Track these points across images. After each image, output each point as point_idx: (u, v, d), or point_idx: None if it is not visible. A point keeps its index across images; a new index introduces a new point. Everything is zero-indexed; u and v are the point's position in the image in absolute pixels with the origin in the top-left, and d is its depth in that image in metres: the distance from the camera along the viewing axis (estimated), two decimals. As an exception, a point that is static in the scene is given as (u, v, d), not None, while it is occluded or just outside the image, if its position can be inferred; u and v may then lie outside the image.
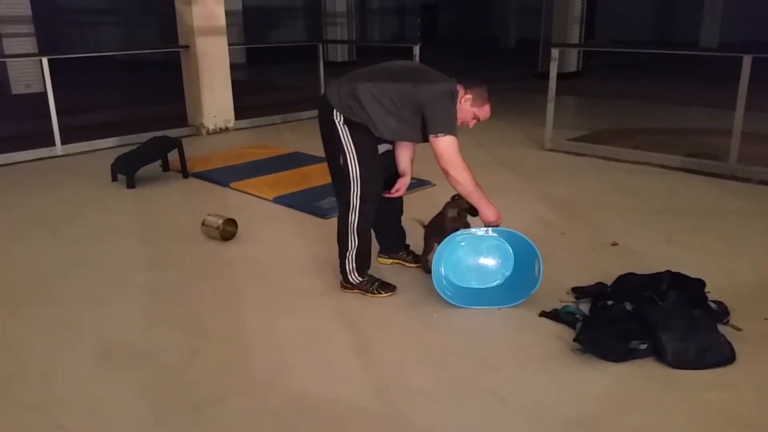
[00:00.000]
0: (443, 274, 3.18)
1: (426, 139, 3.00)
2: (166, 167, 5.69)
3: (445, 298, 3.07)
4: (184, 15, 7.29)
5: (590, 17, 13.26)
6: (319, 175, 5.20)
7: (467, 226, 3.24)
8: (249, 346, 2.80)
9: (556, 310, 2.99)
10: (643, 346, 2.60)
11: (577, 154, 6.24)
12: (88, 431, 2.28)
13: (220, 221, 4.02)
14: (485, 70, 13.95)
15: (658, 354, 2.59)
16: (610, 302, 2.94)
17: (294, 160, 6.03)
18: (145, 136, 6.15)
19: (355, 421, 2.31)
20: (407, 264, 3.56)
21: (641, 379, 2.49)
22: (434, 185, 4.87)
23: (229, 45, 7.65)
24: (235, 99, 7.76)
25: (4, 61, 10.42)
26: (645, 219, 4.35)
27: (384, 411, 2.36)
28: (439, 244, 3.21)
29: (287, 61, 14.25)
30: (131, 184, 5.22)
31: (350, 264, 3.20)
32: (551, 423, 2.26)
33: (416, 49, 7.60)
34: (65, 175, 5.79)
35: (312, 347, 2.80)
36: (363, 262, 3.23)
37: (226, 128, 7.69)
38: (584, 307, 3.03)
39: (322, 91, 8.35)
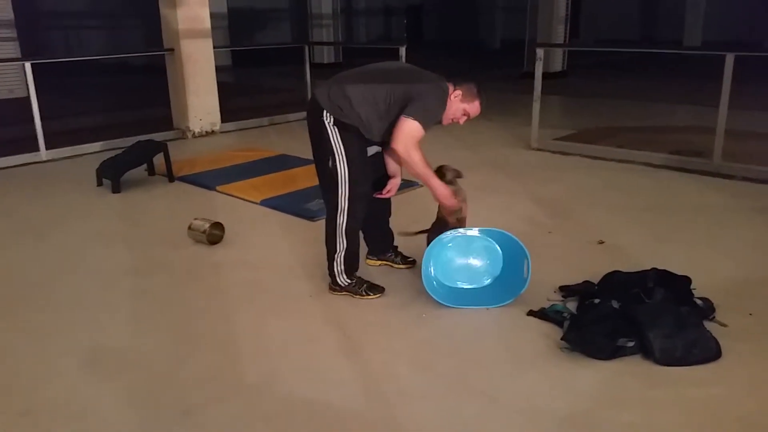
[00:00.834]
0: (432, 274, 3.19)
1: None
2: (151, 171, 5.66)
3: (435, 298, 3.07)
4: (168, 18, 7.25)
5: (575, 17, 13.34)
6: (306, 178, 5.19)
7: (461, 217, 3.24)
8: (238, 350, 2.79)
9: (544, 309, 3.01)
10: (631, 344, 2.62)
11: (563, 153, 6.27)
12: (76, 438, 2.27)
13: (207, 225, 4.00)
14: (471, 71, 13.99)
15: (646, 351, 2.61)
16: (597, 300, 2.96)
17: (281, 163, 6.01)
18: (130, 141, 6.11)
19: (346, 423, 2.31)
20: (395, 265, 3.56)
21: (629, 376, 2.51)
22: (421, 186, 4.87)
23: (214, 48, 7.62)
24: (221, 102, 7.73)
25: (-13, 66, 10.31)
26: (631, 217, 4.38)
27: (374, 412, 2.36)
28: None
29: (273, 64, 14.21)
30: (116, 189, 5.19)
31: (339, 266, 3.20)
32: (541, 421, 2.27)
33: (402, 50, 7.61)
34: (50, 180, 5.74)
35: (301, 350, 2.79)
36: (351, 263, 3.23)
37: (212, 131, 7.66)
38: (572, 305, 3.04)
39: (309, 93, 8.35)
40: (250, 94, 11.12)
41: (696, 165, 5.54)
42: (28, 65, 6.31)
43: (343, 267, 3.20)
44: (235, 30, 16.14)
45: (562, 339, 2.73)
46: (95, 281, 3.54)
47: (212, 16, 7.62)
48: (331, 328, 2.97)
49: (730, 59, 5.25)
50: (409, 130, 2.91)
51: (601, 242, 3.89)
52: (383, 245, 3.59)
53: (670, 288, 2.96)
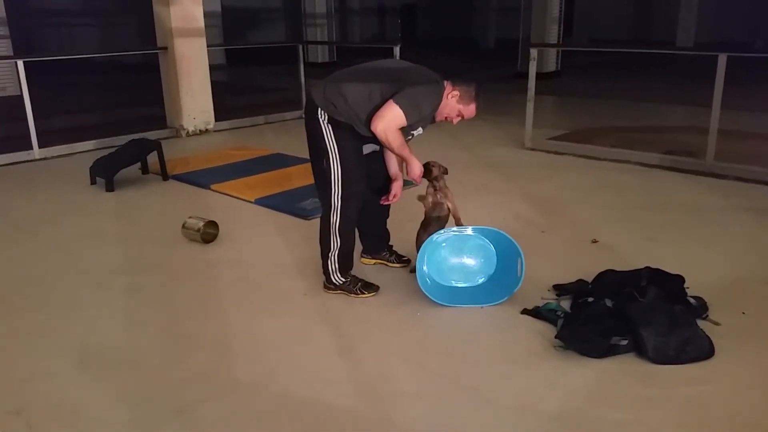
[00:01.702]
0: (426, 273, 3.19)
1: (407, 135, 3.01)
2: (145, 170, 5.64)
3: (430, 297, 3.07)
4: (162, 16, 7.23)
5: (568, 17, 13.37)
6: (300, 176, 5.19)
7: (456, 217, 3.26)
8: (231, 349, 2.79)
9: (538, 307, 3.02)
10: (624, 342, 2.63)
11: (556, 153, 6.29)
12: (69, 437, 2.26)
13: (201, 223, 3.99)
14: (465, 70, 14.00)
15: (639, 349, 2.62)
16: (590, 299, 2.97)
17: (275, 162, 6.01)
18: (123, 139, 6.09)
19: (339, 421, 2.31)
20: (390, 264, 3.57)
21: (622, 374, 2.52)
22: (416, 185, 4.88)
23: (208, 46, 7.60)
24: (214, 100, 7.71)
25: (-21, 64, 10.26)
26: (624, 216, 4.40)
27: (368, 411, 2.36)
28: (429, 236, 3.22)
29: (267, 63, 14.18)
30: (110, 188, 5.17)
31: (333, 264, 3.20)
32: (534, 420, 2.28)
33: (396, 50, 7.61)
34: (43, 178, 5.72)
35: (295, 348, 2.79)
36: (345, 262, 3.23)
37: (206, 130, 7.64)
38: (565, 304, 3.05)
39: (303, 92, 8.34)
40: (245, 93, 11.10)
41: (689, 165, 5.56)
42: (20, 63, 6.28)
43: (337, 266, 3.20)
44: (229, 29, 16.09)
45: (555, 337, 2.74)
46: (88, 280, 3.53)
47: (206, 14, 7.60)
48: (325, 326, 2.97)
49: (722, 60, 5.27)
50: (391, 116, 2.89)
51: (595, 241, 3.90)
52: (378, 244, 3.60)
53: (664, 287, 2.97)
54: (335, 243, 3.16)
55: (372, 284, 3.27)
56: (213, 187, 5.19)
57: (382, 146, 3.18)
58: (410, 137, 3.11)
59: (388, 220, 3.57)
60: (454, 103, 3.05)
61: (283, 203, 4.69)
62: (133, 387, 2.52)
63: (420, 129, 3.12)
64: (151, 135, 6.75)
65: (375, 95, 2.95)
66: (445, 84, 3.04)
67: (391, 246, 3.62)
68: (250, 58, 15.48)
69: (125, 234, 4.25)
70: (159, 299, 3.30)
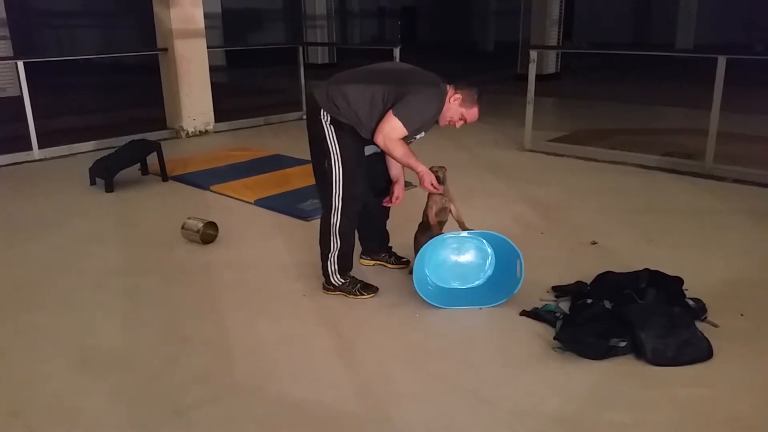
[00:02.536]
0: (426, 275, 3.19)
1: (409, 139, 3.01)
2: (145, 171, 5.65)
3: (426, 300, 3.07)
4: (162, 17, 7.24)
5: (568, 19, 13.38)
6: (300, 178, 5.20)
7: (459, 220, 3.26)
8: (230, 350, 2.78)
9: (537, 309, 3.02)
10: (623, 344, 2.63)
11: (556, 155, 6.29)
12: (68, 438, 2.26)
13: (201, 224, 3.99)
14: (465, 73, 14.01)
15: (638, 351, 2.62)
16: (589, 300, 2.97)
17: (275, 163, 6.01)
18: (123, 140, 6.09)
19: (339, 423, 2.30)
20: (389, 265, 3.57)
21: (621, 376, 2.52)
22: (415, 186, 4.88)
23: (208, 47, 7.61)
24: (214, 102, 7.72)
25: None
26: (623, 218, 4.40)
27: (367, 413, 2.36)
28: (428, 239, 3.22)
29: (267, 64, 14.21)
30: (110, 189, 5.17)
31: (332, 265, 3.20)
32: (533, 422, 2.28)
33: (396, 51, 7.62)
34: (42, 179, 5.72)
35: (294, 350, 2.79)
36: (345, 263, 3.23)
37: (206, 131, 7.65)
38: (564, 305, 3.05)
39: (303, 93, 8.35)
40: (244, 94, 11.11)
41: (688, 167, 5.57)
42: (20, 64, 6.29)
43: (336, 267, 3.20)
44: (229, 30, 16.11)
45: (554, 339, 2.74)
46: (87, 281, 3.53)
47: (206, 16, 7.61)
48: (324, 328, 2.97)
49: (721, 62, 5.28)
50: (390, 128, 2.92)
51: (594, 243, 3.90)
52: (378, 246, 3.60)
53: (662, 288, 2.98)
54: (335, 244, 3.16)
55: (371, 285, 3.27)
56: (212, 188, 5.20)
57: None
58: (412, 140, 3.11)
59: (388, 222, 3.57)
60: (456, 106, 3.05)
61: (283, 204, 4.69)
62: (131, 388, 2.52)
63: (422, 132, 3.12)
64: (151, 136, 6.75)
65: (377, 98, 2.95)
66: (447, 87, 3.04)
67: (391, 247, 3.62)
68: (250, 60, 15.50)
69: (124, 235, 4.25)
70: (158, 300, 3.30)
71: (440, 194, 3.24)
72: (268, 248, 3.96)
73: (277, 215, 4.55)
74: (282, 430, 2.27)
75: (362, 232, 3.47)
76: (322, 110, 3.00)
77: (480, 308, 3.08)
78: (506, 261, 3.17)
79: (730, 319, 2.92)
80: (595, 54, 15.31)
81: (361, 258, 3.60)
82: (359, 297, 3.20)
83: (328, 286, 3.26)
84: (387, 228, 3.59)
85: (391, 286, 3.32)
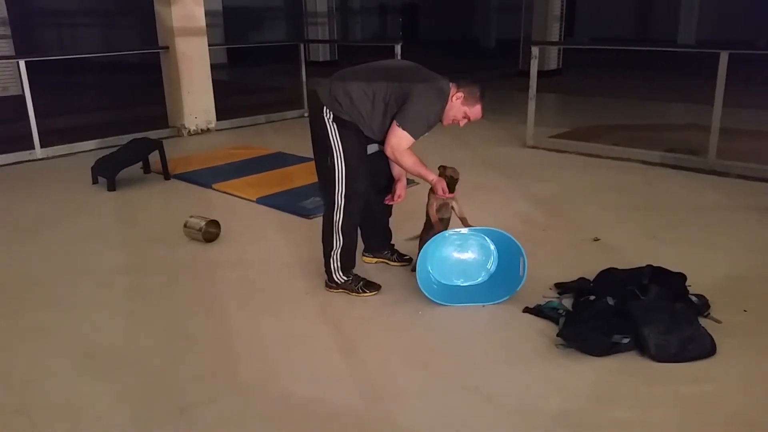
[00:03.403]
0: (429, 272, 3.19)
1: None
2: (147, 169, 5.65)
3: (429, 297, 3.07)
4: (163, 16, 7.23)
5: (570, 16, 13.36)
6: (302, 175, 5.20)
7: (461, 216, 3.26)
8: (233, 348, 2.79)
9: (540, 305, 3.01)
10: (626, 340, 2.63)
11: (558, 151, 6.28)
12: (72, 437, 2.26)
13: (203, 223, 4.00)
14: (467, 69, 13.99)
15: (641, 348, 2.61)
16: (592, 297, 2.97)
17: (277, 161, 6.01)
18: (125, 138, 6.10)
19: (341, 421, 2.31)
20: (392, 263, 3.57)
21: (624, 373, 2.52)
22: (417, 184, 4.88)
23: (209, 45, 7.61)
24: (216, 100, 7.72)
25: (-19, 64, 10.27)
26: (626, 214, 4.40)
27: (369, 410, 2.36)
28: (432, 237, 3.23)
29: (269, 62, 14.21)
30: (112, 187, 5.18)
31: (335, 263, 3.20)
32: (536, 419, 2.28)
33: (398, 48, 7.61)
34: (44, 178, 5.73)
35: (297, 348, 2.79)
36: (347, 261, 3.23)
37: (208, 129, 7.64)
38: (567, 302, 3.05)
39: (304, 90, 8.34)
40: (246, 92, 11.10)
41: (691, 163, 5.55)
42: (22, 63, 6.30)
43: (339, 264, 3.20)
44: (230, 28, 16.10)
45: (557, 336, 2.74)
46: (90, 280, 3.53)
47: (207, 13, 7.60)
48: (326, 325, 2.97)
49: (724, 57, 5.26)
50: (397, 140, 2.95)
51: (597, 239, 3.90)
52: (380, 243, 3.60)
53: (665, 285, 2.97)
54: (338, 241, 3.16)
55: (374, 283, 3.27)
56: (214, 186, 5.20)
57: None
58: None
59: (390, 219, 3.57)
60: (459, 105, 3.04)
61: (285, 202, 4.69)
62: (134, 387, 2.53)
63: (426, 132, 3.12)
64: (153, 134, 6.76)
65: (378, 97, 2.95)
66: (450, 86, 3.03)
67: (393, 245, 3.62)
68: (252, 57, 15.50)
69: (127, 234, 4.26)
70: (160, 299, 3.30)
71: (433, 185, 3.22)
72: (271, 246, 3.96)
73: (279, 213, 4.55)
74: (285, 428, 2.27)
75: (365, 229, 3.47)
76: (324, 108, 3.00)
77: (483, 305, 3.08)
78: (509, 258, 3.16)
79: (733, 315, 2.91)
80: (597, 50, 15.26)
81: (363, 256, 3.60)
82: (362, 295, 3.20)
83: (330, 283, 3.26)
84: (389, 226, 3.58)
85: (394, 284, 3.32)
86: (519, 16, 12.80)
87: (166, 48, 7.31)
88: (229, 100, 8.93)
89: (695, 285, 3.09)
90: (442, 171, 3.22)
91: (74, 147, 6.64)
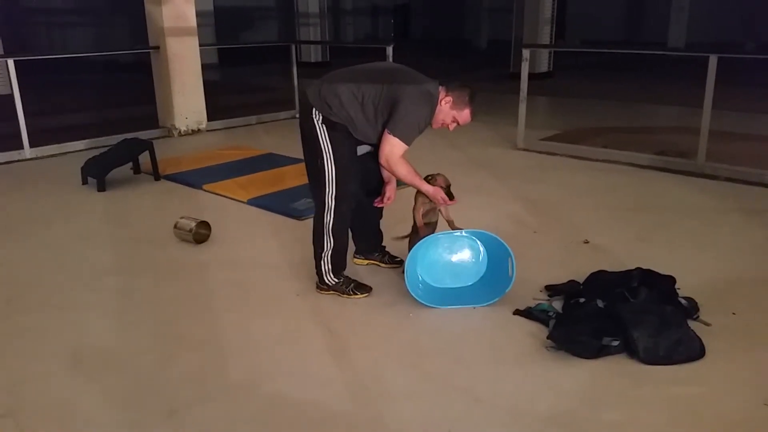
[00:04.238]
0: (418, 275, 3.19)
1: None
2: (137, 170, 5.62)
3: (418, 300, 3.07)
4: (154, 15, 7.20)
5: (561, 18, 13.40)
6: (293, 176, 5.19)
7: (449, 219, 3.26)
8: (224, 350, 2.78)
9: (530, 308, 3.02)
10: (615, 343, 2.64)
11: (549, 154, 6.31)
12: (60, 439, 2.25)
13: (193, 224, 3.98)
14: (458, 71, 14.03)
15: (630, 350, 2.63)
16: (582, 300, 2.98)
17: (268, 161, 6.00)
18: (115, 139, 6.07)
19: (332, 422, 2.31)
20: (383, 265, 3.57)
21: (613, 375, 2.53)
22: (407, 186, 4.88)
23: (200, 45, 7.58)
24: (207, 100, 7.69)
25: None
26: (616, 217, 4.42)
27: (360, 412, 2.36)
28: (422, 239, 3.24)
29: (260, 62, 14.18)
30: (102, 188, 5.15)
31: (326, 265, 3.20)
32: (526, 421, 2.28)
33: (389, 50, 7.61)
34: (34, 178, 5.69)
35: (288, 349, 2.79)
36: (339, 262, 3.23)
37: (199, 130, 7.62)
38: (557, 304, 3.06)
39: (296, 91, 8.33)
40: (237, 92, 11.07)
41: (680, 165, 5.59)
42: (11, 62, 6.25)
43: (330, 266, 3.20)
44: (221, 28, 16.07)
45: (547, 338, 2.75)
46: (79, 281, 3.51)
47: (198, 13, 7.58)
48: (317, 327, 2.97)
49: (713, 60, 5.30)
50: (390, 147, 2.96)
51: (586, 242, 3.92)
52: (371, 245, 3.59)
53: (655, 287, 2.99)
54: (329, 243, 3.16)
55: (365, 285, 3.27)
56: (205, 187, 5.18)
57: (377, 147, 3.19)
58: None
59: (381, 221, 3.57)
60: (447, 109, 3.04)
61: (276, 203, 4.68)
62: (124, 388, 2.51)
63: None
64: (143, 135, 6.72)
65: (367, 100, 2.96)
66: (439, 89, 3.03)
67: (384, 247, 3.62)
68: (243, 58, 15.46)
69: (117, 234, 4.24)
70: (151, 300, 3.29)
71: (432, 196, 3.21)
72: (262, 248, 3.95)
73: (270, 214, 4.54)
74: (276, 430, 2.27)
75: (356, 231, 3.47)
76: (313, 109, 3.00)
77: (474, 307, 3.09)
78: (498, 260, 3.17)
79: (723, 318, 2.93)
80: (588, 52, 15.33)
81: (354, 257, 3.60)
82: (353, 296, 3.20)
83: (321, 285, 3.25)
84: (380, 227, 3.58)
85: (385, 286, 3.32)
86: (510, 17, 12.83)
87: (157, 48, 7.28)
88: (220, 101, 8.91)
89: (684, 287, 3.11)
90: (433, 180, 3.21)
91: (64, 147, 6.60)
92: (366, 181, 3.29)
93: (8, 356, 2.77)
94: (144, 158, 5.55)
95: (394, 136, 2.93)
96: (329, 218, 3.11)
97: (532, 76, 6.67)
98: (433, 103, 3.00)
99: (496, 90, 9.86)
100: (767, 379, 2.52)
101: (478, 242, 3.26)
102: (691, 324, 2.80)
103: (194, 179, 5.39)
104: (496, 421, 2.29)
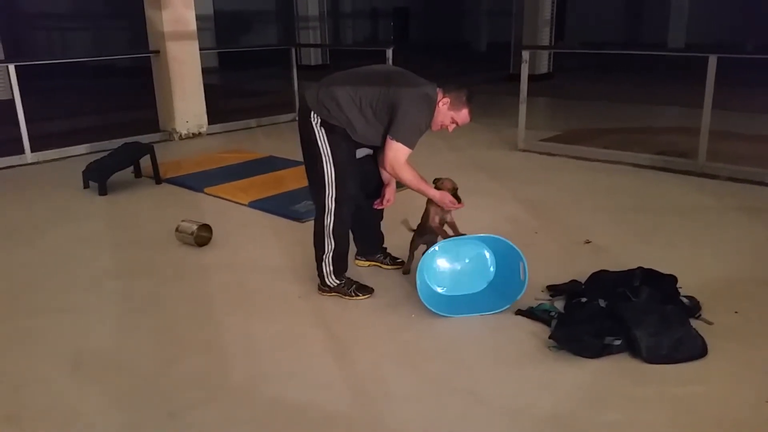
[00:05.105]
0: (427, 283, 3.15)
1: None
2: (138, 174, 5.63)
3: (432, 309, 3.00)
4: (154, 20, 7.22)
5: (560, 20, 13.43)
6: (294, 179, 5.19)
7: (451, 222, 3.25)
8: (225, 352, 2.78)
9: (532, 308, 3.02)
10: (617, 342, 2.64)
11: (549, 155, 6.31)
12: (62, 442, 2.25)
13: (195, 227, 3.98)
14: (458, 73, 14.05)
15: (632, 349, 2.62)
16: (584, 299, 2.98)
17: (268, 164, 6.00)
18: (116, 143, 6.07)
19: (333, 424, 2.30)
20: (384, 266, 3.57)
21: (615, 374, 2.53)
22: (407, 188, 4.89)
23: (200, 49, 7.59)
24: (207, 104, 7.70)
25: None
26: (617, 217, 4.41)
27: (361, 414, 2.36)
28: (424, 243, 3.22)
29: (260, 66, 14.19)
30: (103, 192, 5.15)
31: (327, 267, 3.20)
32: (528, 421, 2.28)
33: (389, 52, 7.62)
34: (35, 183, 5.70)
35: (289, 351, 2.79)
36: (340, 264, 3.23)
37: (199, 133, 7.63)
38: (559, 304, 3.06)
39: (296, 95, 8.34)
40: (237, 96, 11.09)
41: (681, 165, 5.59)
42: (11, 67, 6.26)
43: (331, 268, 3.20)
44: (221, 32, 16.10)
45: (549, 338, 2.75)
46: (81, 284, 3.52)
47: (198, 17, 7.59)
48: (319, 329, 2.97)
49: (713, 61, 5.30)
50: (394, 154, 2.96)
51: (588, 242, 3.91)
52: (373, 247, 3.60)
53: (657, 287, 2.99)
54: (329, 245, 3.16)
55: (366, 286, 3.27)
56: (206, 190, 5.19)
57: (376, 150, 3.19)
58: None
59: (382, 223, 3.58)
60: (445, 110, 3.04)
61: (277, 206, 4.69)
62: (126, 391, 2.51)
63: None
64: (144, 138, 6.72)
65: (365, 103, 2.96)
66: (437, 91, 3.03)
67: (385, 248, 3.62)
68: (243, 62, 15.49)
69: (118, 238, 4.24)
70: (152, 303, 3.29)
71: (439, 201, 3.20)
72: (263, 250, 3.95)
73: (271, 217, 4.54)
74: (276, 431, 2.27)
75: (357, 233, 3.47)
76: (312, 112, 3.00)
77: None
78: (508, 264, 3.14)
79: (724, 317, 2.93)
80: (588, 54, 15.35)
81: (356, 259, 3.60)
82: (354, 298, 3.20)
83: (323, 287, 3.25)
84: (381, 229, 3.59)
85: (387, 287, 3.32)
86: (510, 19, 12.85)
87: (157, 52, 7.29)
88: (221, 104, 8.92)
89: (686, 287, 3.11)
90: (440, 184, 3.20)
91: (65, 151, 6.61)
92: (365, 183, 3.29)
93: (11, 359, 2.77)
94: (145, 162, 5.56)
95: (397, 141, 2.93)
96: (330, 220, 3.11)
97: (532, 78, 6.67)
98: (432, 105, 3.00)
99: (496, 91, 9.87)
100: (770, 377, 2.52)
101: (485, 247, 3.23)
102: (694, 323, 2.79)
103: (195, 182, 5.39)
104: (497, 421, 2.29)
